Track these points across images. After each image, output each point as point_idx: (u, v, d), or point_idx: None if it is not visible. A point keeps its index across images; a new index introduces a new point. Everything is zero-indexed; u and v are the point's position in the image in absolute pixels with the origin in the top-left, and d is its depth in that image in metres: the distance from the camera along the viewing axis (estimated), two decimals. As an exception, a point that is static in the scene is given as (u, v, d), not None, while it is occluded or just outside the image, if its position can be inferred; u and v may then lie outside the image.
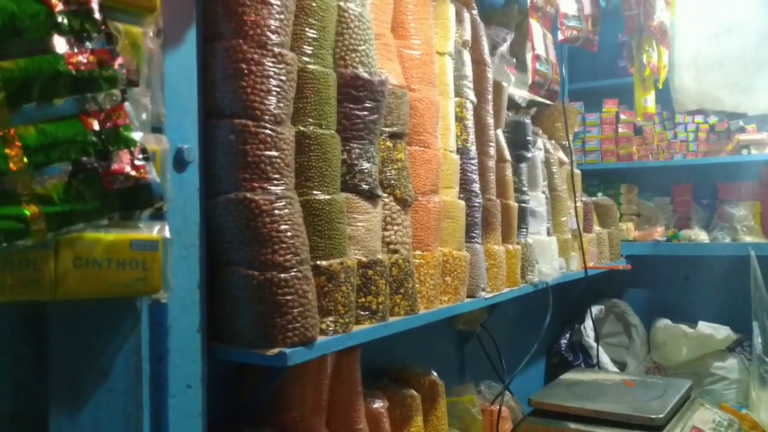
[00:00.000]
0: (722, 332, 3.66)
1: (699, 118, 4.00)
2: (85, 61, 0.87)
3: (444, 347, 2.73)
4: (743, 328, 3.65)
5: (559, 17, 2.52)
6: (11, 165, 0.82)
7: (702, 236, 3.90)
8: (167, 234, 0.99)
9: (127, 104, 0.91)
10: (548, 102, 2.85)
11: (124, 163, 0.90)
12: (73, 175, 0.86)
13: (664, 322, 3.89)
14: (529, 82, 2.42)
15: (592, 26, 2.67)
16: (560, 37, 2.53)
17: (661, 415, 2.18)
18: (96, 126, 0.88)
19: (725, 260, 3.82)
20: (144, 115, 0.95)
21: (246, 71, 1.33)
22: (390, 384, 2.08)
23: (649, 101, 3.39)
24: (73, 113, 0.88)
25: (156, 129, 1.01)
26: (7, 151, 0.82)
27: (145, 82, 0.96)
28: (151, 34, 0.98)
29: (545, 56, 2.43)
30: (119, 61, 0.90)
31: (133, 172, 0.90)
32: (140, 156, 0.91)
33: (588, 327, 3.76)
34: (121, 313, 1.01)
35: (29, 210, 0.83)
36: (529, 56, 2.49)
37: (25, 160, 0.83)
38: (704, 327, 3.70)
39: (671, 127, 4.10)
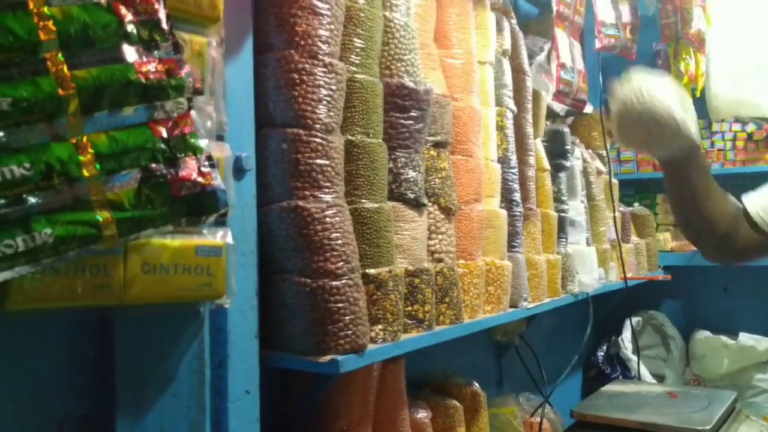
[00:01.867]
0: (764, 343, 3.58)
1: (737, 127, 3.94)
2: (153, 69, 0.89)
3: (482, 358, 2.71)
4: (786, 340, 3.57)
5: (597, 25, 2.51)
6: (85, 171, 0.83)
7: (741, 246, 3.82)
8: (230, 240, 1.00)
9: (193, 112, 0.93)
10: (577, 111, 2.84)
11: (191, 169, 0.91)
12: (143, 181, 0.88)
13: (703, 334, 3.81)
14: (554, 90, 2.41)
15: (630, 34, 2.66)
16: (597, 45, 2.52)
17: (708, 427, 2.14)
18: (164, 133, 0.90)
19: (765, 270, 3.74)
20: (208, 123, 0.97)
21: (297, 81, 1.34)
22: (432, 394, 2.07)
23: (686, 109, 3.34)
24: (143, 121, 0.89)
25: (218, 137, 1.03)
26: (80, 158, 0.83)
27: (208, 90, 0.98)
28: (215, 43, 1.00)
29: (571, 65, 2.42)
30: (186, 69, 0.92)
31: (200, 179, 0.91)
32: (206, 163, 0.92)
33: (626, 339, 3.70)
34: (185, 319, 1.02)
35: (101, 216, 0.84)
36: (553, 65, 2.48)
37: (98, 166, 0.84)
38: (745, 338, 3.62)
39: (708, 135, 4.04)
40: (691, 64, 3.25)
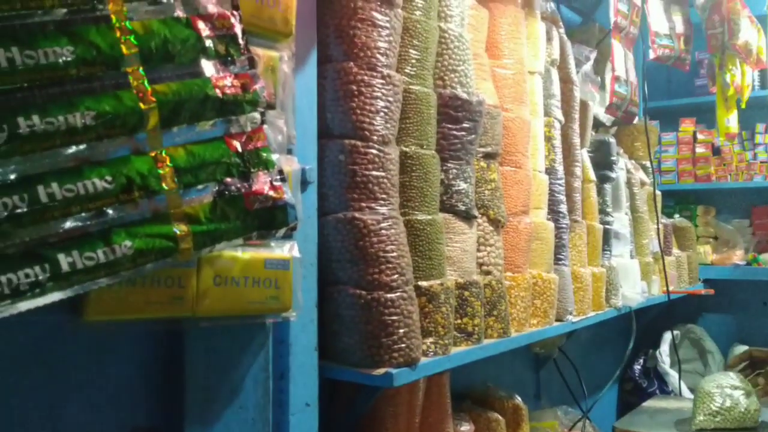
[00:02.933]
0: (807, 361, 3.49)
1: (781, 139, 3.87)
2: (230, 84, 0.90)
3: (521, 370, 2.68)
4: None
5: (650, 36, 2.47)
6: (164, 185, 0.84)
7: (784, 261, 3.75)
8: (296, 253, 1.00)
9: (265, 126, 0.93)
10: (633, 124, 2.80)
11: (263, 183, 0.91)
12: (219, 195, 0.88)
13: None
14: (607, 103, 2.38)
15: (684, 45, 2.62)
16: (651, 55, 2.49)
17: (756, 448, 2.10)
18: (239, 147, 0.90)
19: (808, 286, 3.66)
20: (279, 138, 0.97)
21: (356, 92, 1.34)
22: (474, 406, 2.05)
23: (731, 121, 3.29)
24: (219, 135, 0.90)
25: (288, 150, 1.03)
26: (159, 171, 0.84)
27: (279, 105, 0.98)
28: (286, 58, 1.00)
29: (625, 77, 2.39)
30: (260, 84, 0.92)
31: (271, 193, 0.92)
32: (278, 177, 0.93)
33: (663, 353, 3.64)
34: (251, 331, 1.02)
35: (179, 229, 0.85)
36: (608, 77, 2.46)
37: (176, 180, 0.85)
38: (788, 355, 3.54)
39: (751, 147, 3.97)
40: (737, 75, 3.20)
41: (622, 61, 2.48)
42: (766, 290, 3.93)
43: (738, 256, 3.88)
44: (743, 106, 3.31)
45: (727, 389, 2.27)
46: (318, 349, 1.20)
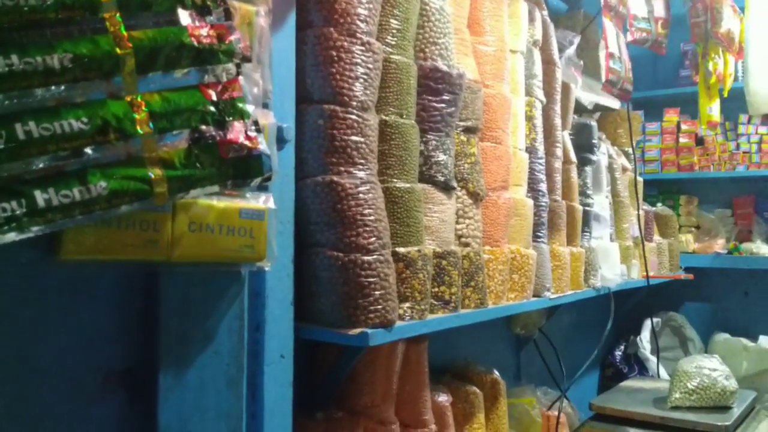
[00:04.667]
0: (783, 347, 3.55)
1: (762, 129, 3.92)
2: (206, 34, 0.92)
3: (501, 350, 2.72)
4: (806, 344, 3.54)
5: (629, 18, 2.51)
6: (139, 129, 0.86)
7: (764, 250, 3.81)
8: (272, 205, 1.03)
9: (241, 78, 0.96)
10: (612, 107, 2.83)
11: (238, 133, 0.94)
12: (193, 141, 0.90)
13: (722, 336, 3.80)
14: (603, 79, 2.40)
15: (662, 29, 2.65)
16: (629, 38, 2.52)
17: (728, 423, 2.14)
18: (214, 96, 0.93)
19: (787, 275, 3.72)
20: (255, 90, 0.99)
21: (336, 58, 1.36)
22: (453, 380, 2.09)
23: (713, 110, 3.33)
24: (194, 83, 0.92)
25: (263, 105, 1.05)
26: (135, 115, 0.86)
27: (256, 58, 1.01)
28: (263, 12, 1.02)
29: (618, 54, 2.42)
30: (236, 36, 0.95)
31: (246, 142, 0.94)
32: (253, 128, 0.95)
33: (644, 339, 3.69)
34: (227, 279, 1.04)
35: (153, 172, 0.87)
36: (602, 54, 2.48)
37: (151, 125, 0.87)
38: (765, 341, 3.60)
39: (734, 137, 4.02)
40: (720, 63, 3.24)
41: (614, 39, 2.50)
42: (746, 279, 3.99)
43: (719, 245, 3.94)
44: (725, 94, 3.35)
45: (706, 370, 2.31)
46: (294, 304, 1.22)
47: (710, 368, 2.31)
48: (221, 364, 1.03)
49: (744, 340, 3.65)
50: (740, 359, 3.61)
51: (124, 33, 0.86)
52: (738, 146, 4.00)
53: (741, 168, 3.97)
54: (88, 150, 0.83)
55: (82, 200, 0.82)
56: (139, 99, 0.87)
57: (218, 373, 1.02)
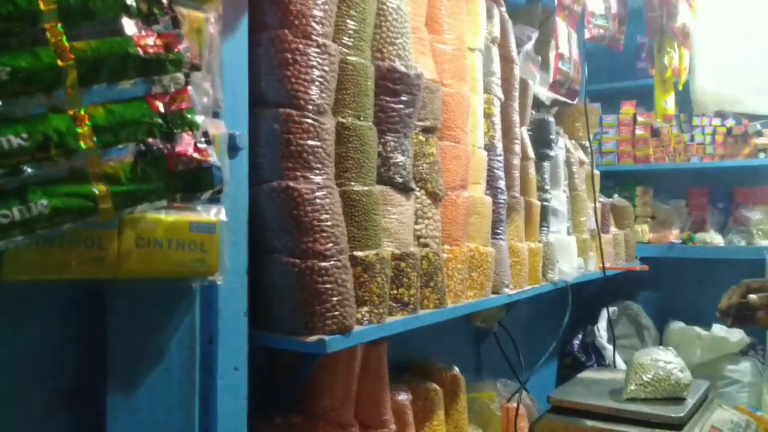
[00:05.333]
0: (736, 335, 3.66)
1: (716, 121, 4.01)
2: (152, 43, 0.89)
3: (462, 344, 2.74)
4: (757, 331, 3.64)
5: (586, 15, 2.53)
6: (82, 144, 0.83)
7: (717, 239, 3.91)
8: (223, 217, 1.00)
9: (190, 88, 0.93)
10: (569, 101, 2.86)
11: (187, 145, 0.91)
12: (140, 155, 0.87)
13: (677, 325, 3.90)
14: (551, 80, 2.43)
15: (618, 25, 2.68)
16: (587, 35, 2.54)
17: (682, 414, 2.19)
18: (161, 108, 0.90)
19: (740, 264, 3.81)
20: (205, 100, 0.97)
21: (291, 61, 1.34)
22: (413, 378, 2.09)
23: (668, 103, 3.40)
24: (140, 95, 0.89)
25: (214, 114, 1.03)
26: (78, 129, 0.83)
27: (206, 67, 0.98)
28: (213, 19, 0.99)
29: (568, 55, 2.44)
30: (184, 44, 0.92)
31: (196, 155, 0.91)
32: (202, 139, 0.93)
33: (601, 328, 3.76)
34: (177, 294, 1.02)
35: (98, 188, 0.84)
36: (552, 55, 2.50)
37: (95, 139, 0.84)
38: (718, 330, 3.70)
39: (688, 129, 4.11)
40: (675, 57, 3.30)
41: (565, 39, 2.53)
42: (700, 268, 4.09)
43: (674, 235, 4.03)
44: (680, 88, 3.42)
45: (661, 363, 2.36)
46: (248, 315, 1.20)
47: (665, 361, 2.36)
48: (172, 381, 1.01)
49: (698, 329, 3.75)
50: (694, 347, 3.72)
51: (66, 44, 0.82)
52: (692, 138, 4.08)
53: (695, 159, 4.06)
54: (28, 167, 0.80)
55: (22, 220, 0.79)
56: (82, 112, 0.84)
57: (169, 390, 1.00)
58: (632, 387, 2.34)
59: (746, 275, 3.70)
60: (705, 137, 4.04)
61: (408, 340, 2.12)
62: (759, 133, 3.88)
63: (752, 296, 1.48)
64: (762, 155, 3.83)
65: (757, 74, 2.74)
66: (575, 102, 2.96)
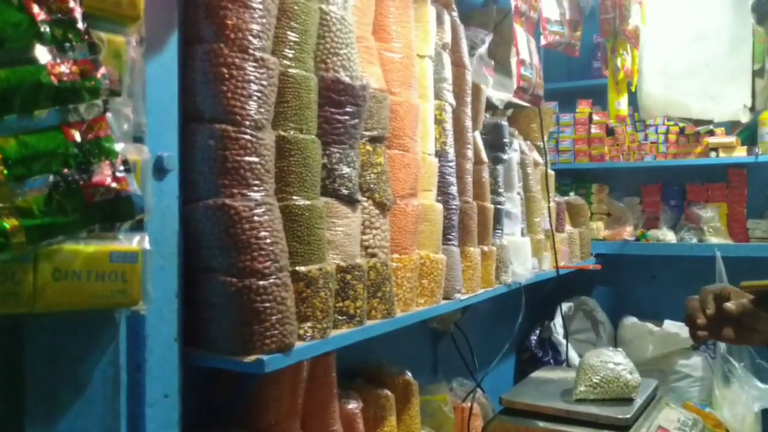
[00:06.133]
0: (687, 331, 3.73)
1: (670, 121, 4.08)
2: (67, 71, 0.86)
3: (418, 346, 2.75)
4: (708, 327, 3.73)
5: (542, 22, 2.54)
6: (-9, 177, 0.80)
7: (669, 236, 3.99)
8: (147, 245, 0.98)
9: (108, 115, 0.90)
10: (528, 105, 2.88)
11: (105, 175, 0.88)
12: (54, 187, 0.85)
13: (630, 320, 3.97)
14: (515, 86, 2.43)
15: (572, 31, 2.70)
16: (543, 41, 2.56)
17: (629, 416, 2.23)
18: (78, 137, 0.87)
19: (692, 260, 3.90)
20: (125, 126, 0.94)
21: (227, 76, 1.31)
22: (364, 384, 2.09)
23: (621, 104, 3.44)
24: (55, 124, 0.86)
25: (137, 139, 1.00)
26: (-14, 163, 0.80)
27: (126, 91, 0.95)
28: (134, 42, 0.96)
29: (529, 61, 2.45)
30: (102, 71, 0.89)
31: (114, 184, 0.89)
32: (121, 168, 0.90)
33: (558, 324, 3.82)
34: (99, 325, 0.99)
35: (9, 223, 0.81)
36: (513, 61, 2.51)
37: (5, 172, 0.81)
38: (670, 325, 3.78)
39: (642, 128, 4.17)
40: (628, 59, 3.33)
41: (525, 45, 2.54)
42: (653, 264, 4.17)
43: (628, 232, 4.09)
44: (633, 89, 3.46)
45: (610, 365, 2.39)
46: (179, 339, 1.18)
47: (615, 362, 2.40)
48: (95, 413, 0.98)
49: (650, 325, 3.83)
50: (647, 343, 3.79)
51: (-28, 74, 0.79)
52: (646, 137, 4.15)
53: (649, 158, 4.13)
54: (-68, 203, 0.77)
55: (-73, 258, 0.76)
56: (-9, 144, 0.81)
57: (92, 422, 0.98)
58: (582, 388, 2.38)
59: (697, 271, 3.81)
60: (658, 136, 4.11)
61: (361, 345, 2.12)
62: (711, 133, 3.96)
63: (728, 305, 1.37)
64: (713, 154, 3.91)
65: (703, 79, 2.78)
66: (541, 107, 2.98)
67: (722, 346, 3.53)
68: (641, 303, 4.15)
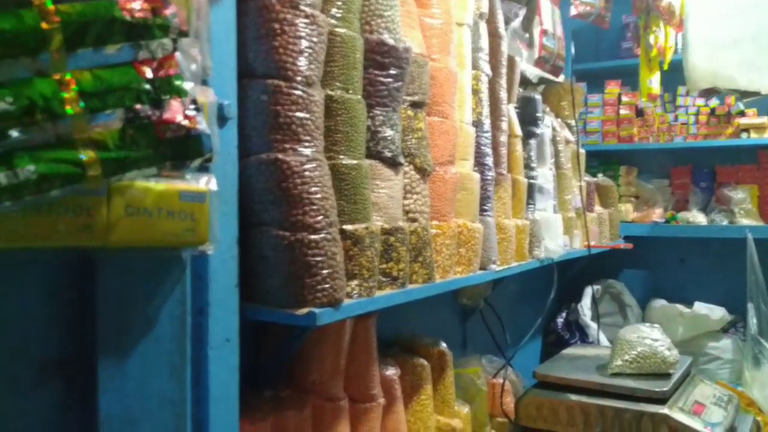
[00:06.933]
0: (717, 313, 3.71)
1: (700, 101, 4.03)
2: (139, 7, 0.87)
3: (447, 321, 2.75)
4: (738, 309, 3.70)
5: (571, -7, 2.52)
6: (68, 109, 0.81)
7: (700, 218, 3.95)
8: (214, 186, 0.99)
9: (178, 54, 0.91)
10: (552, 78, 2.86)
11: (175, 112, 0.90)
12: (128, 122, 0.86)
13: (660, 302, 3.94)
14: (536, 56, 2.42)
15: (604, 2, 2.67)
16: (573, 12, 2.54)
17: (666, 389, 2.22)
18: (149, 74, 0.88)
19: (722, 243, 3.86)
20: (193, 67, 0.95)
21: (279, 31, 1.32)
22: (400, 353, 2.10)
23: (654, 82, 3.41)
24: (127, 60, 0.87)
25: (203, 82, 1.01)
26: (63, 94, 0.81)
27: (193, 33, 0.96)
28: (200, -16, 0.97)
29: (552, 31, 2.43)
30: (171, 9, 0.90)
31: (184, 122, 0.90)
32: (191, 106, 0.91)
33: (585, 306, 3.80)
34: (168, 264, 1.01)
35: (86, 155, 0.82)
36: (537, 31, 2.49)
37: (82, 104, 0.83)
38: (700, 307, 3.75)
39: (672, 109, 4.13)
40: (661, 36, 3.30)
41: (549, 15, 2.52)
42: (682, 247, 4.13)
43: (657, 215, 4.06)
44: (666, 67, 3.42)
45: (648, 340, 2.38)
46: (238, 286, 1.20)
47: (652, 338, 2.39)
48: (163, 350, 1.00)
49: (680, 306, 3.80)
50: (676, 325, 3.77)
51: (51, 6, 0.80)
52: (676, 118, 4.10)
53: (679, 139, 4.08)
54: (14, 132, 0.78)
55: (9, 185, 0.78)
56: (68, 77, 0.82)
57: (160, 360, 0.99)
58: (618, 362, 2.37)
59: (727, 253, 3.77)
60: (689, 117, 4.06)
61: (394, 316, 2.13)
62: (742, 113, 3.91)
63: None
64: (744, 135, 3.86)
65: (749, 51, 2.74)
66: (560, 79, 2.96)
67: (753, 327, 3.50)
68: (669, 285, 4.12)
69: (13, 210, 0.81)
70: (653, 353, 2.34)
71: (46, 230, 0.85)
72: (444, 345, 2.24)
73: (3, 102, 0.77)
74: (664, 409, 2.16)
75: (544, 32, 2.39)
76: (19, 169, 0.78)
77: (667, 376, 2.34)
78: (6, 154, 0.78)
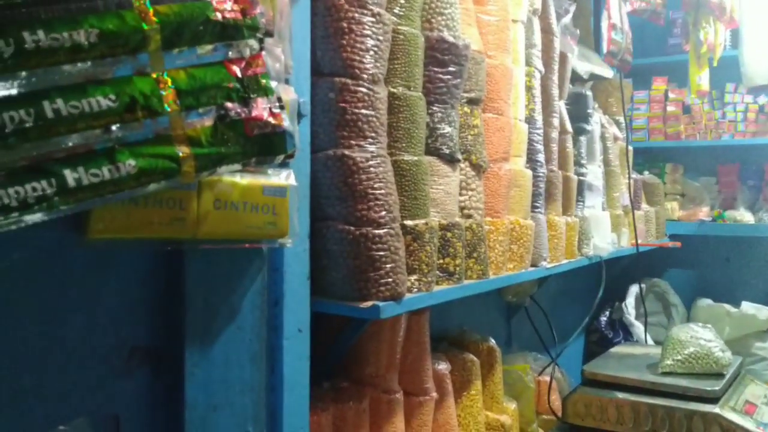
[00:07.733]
0: (765, 312, 3.65)
1: (748, 98, 3.96)
2: (230, 8, 0.90)
3: (493, 318, 2.76)
4: (786, 309, 3.64)
5: (628, -11, 2.50)
6: (166, 106, 0.85)
7: (747, 217, 3.88)
8: (293, 181, 1.02)
9: (264, 53, 0.94)
10: (605, 76, 2.84)
11: (263, 110, 0.93)
12: (219, 119, 0.89)
13: (706, 302, 3.89)
14: (605, 50, 2.40)
15: (660, -1, 2.65)
16: (628, 8, 2.52)
17: (717, 388, 2.21)
18: (238, 73, 0.91)
19: (766, 241, 3.80)
20: (277, 66, 0.98)
21: (346, 30, 1.35)
22: (450, 348, 2.12)
23: (702, 79, 3.36)
24: (219, 60, 0.91)
25: (285, 80, 1.04)
26: (162, 92, 0.85)
27: (277, 33, 0.99)
28: (283, -16, 1.00)
29: (620, 25, 2.42)
30: (259, 10, 0.93)
31: (271, 119, 0.93)
32: (277, 104, 0.94)
33: (629, 305, 3.77)
34: (249, 256, 1.05)
35: (181, 150, 0.86)
36: (605, 24, 2.47)
37: (177, 102, 0.86)
38: (747, 307, 3.69)
39: (720, 106, 4.06)
40: (711, 32, 3.25)
41: (617, 9, 2.50)
42: (729, 246, 4.07)
43: (704, 213, 4.00)
44: (715, 64, 3.38)
45: (702, 341, 2.36)
46: (310, 279, 1.23)
47: (706, 339, 2.36)
48: (244, 339, 1.04)
49: (727, 306, 3.74)
50: (723, 324, 3.71)
51: (149, 8, 0.84)
52: (724, 115, 4.04)
53: (726, 137, 4.02)
54: (116, 128, 0.82)
55: (111, 179, 0.81)
56: (164, 76, 0.86)
57: (242, 347, 1.03)
58: (668, 362, 2.35)
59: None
60: (736, 114, 3.99)
61: (443, 311, 2.15)
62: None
63: None
64: (795, 133, 3.79)
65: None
66: (615, 75, 2.93)
67: (802, 328, 3.43)
68: (715, 285, 4.06)
69: (112, 203, 0.85)
70: (706, 354, 2.32)
71: (142, 222, 0.89)
72: (493, 341, 2.25)
73: (106, 99, 0.81)
74: (715, 409, 2.14)
75: (612, 26, 2.38)
76: (121, 164, 0.82)
77: (719, 375, 2.32)
78: (108, 150, 0.82)
